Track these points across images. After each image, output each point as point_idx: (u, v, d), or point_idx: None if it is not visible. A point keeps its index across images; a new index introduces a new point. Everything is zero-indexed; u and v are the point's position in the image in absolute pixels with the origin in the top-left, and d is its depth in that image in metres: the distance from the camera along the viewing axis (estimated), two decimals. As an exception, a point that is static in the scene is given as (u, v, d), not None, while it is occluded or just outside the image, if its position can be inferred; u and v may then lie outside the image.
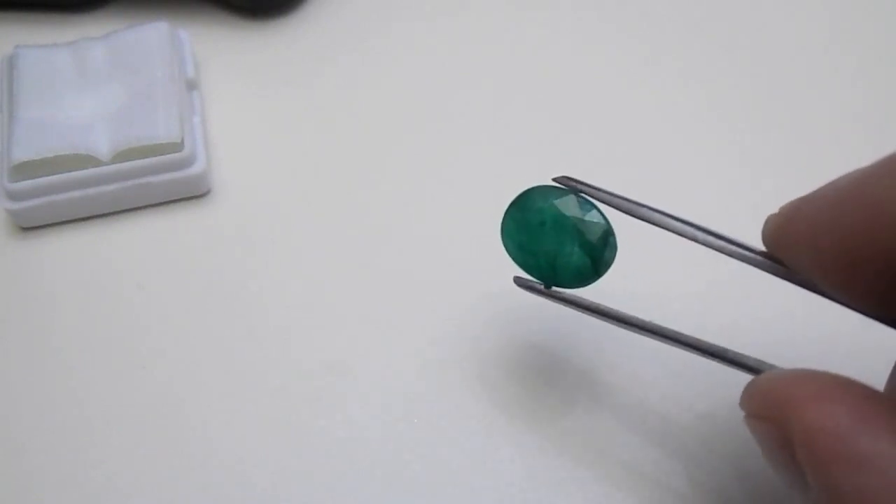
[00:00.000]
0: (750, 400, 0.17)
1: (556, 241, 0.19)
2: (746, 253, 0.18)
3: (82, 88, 0.26)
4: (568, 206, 0.19)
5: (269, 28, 0.30)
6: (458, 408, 0.22)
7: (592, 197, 0.19)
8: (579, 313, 0.19)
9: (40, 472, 0.21)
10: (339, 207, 0.26)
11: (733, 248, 0.18)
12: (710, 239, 0.19)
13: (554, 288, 0.19)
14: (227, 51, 0.29)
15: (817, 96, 0.28)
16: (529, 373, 0.22)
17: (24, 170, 0.24)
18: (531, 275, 0.19)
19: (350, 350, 0.23)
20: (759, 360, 0.18)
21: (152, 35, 0.26)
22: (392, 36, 0.30)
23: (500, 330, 0.23)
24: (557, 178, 0.19)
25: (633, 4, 0.30)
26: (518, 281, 0.20)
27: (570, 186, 0.19)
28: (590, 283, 0.19)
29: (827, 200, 0.17)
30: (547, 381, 0.22)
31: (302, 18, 0.30)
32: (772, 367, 0.17)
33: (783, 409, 0.15)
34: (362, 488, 0.21)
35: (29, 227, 0.25)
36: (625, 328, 0.19)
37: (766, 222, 0.18)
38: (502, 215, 0.20)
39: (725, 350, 0.18)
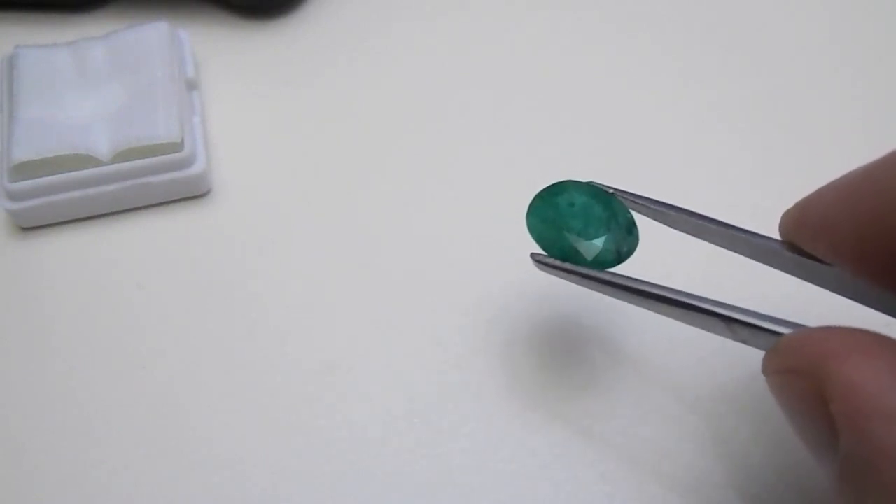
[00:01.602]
0: (781, 355, 0.16)
1: (584, 222, 0.19)
2: (768, 244, 0.19)
3: (82, 88, 0.26)
4: (598, 196, 0.20)
5: (269, 28, 0.30)
6: (458, 407, 0.22)
7: (623, 198, 0.20)
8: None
9: (40, 472, 0.21)
10: (340, 207, 0.26)
11: (760, 245, 0.19)
12: (738, 243, 0.19)
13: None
14: (227, 51, 0.29)
15: (818, 96, 0.28)
16: (529, 372, 0.22)
17: (24, 170, 0.24)
18: (550, 253, 0.20)
19: (350, 350, 0.23)
20: (786, 321, 0.17)
21: (152, 35, 0.26)
22: (392, 36, 0.30)
23: (500, 330, 0.23)
24: (591, 181, 0.20)
25: (633, 4, 0.30)
26: (535, 256, 0.20)
27: (601, 187, 0.20)
28: (607, 269, 0.19)
29: (840, 191, 0.17)
30: (547, 381, 0.22)
31: (302, 18, 0.30)
32: (800, 326, 0.17)
33: (820, 363, 0.15)
34: (362, 488, 0.21)
35: (29, 227, 0.25)
36: (638, 301, 0.18)
37: (783, 217, 0.19)
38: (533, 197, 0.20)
39: (749, 311, 0.17)
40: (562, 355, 0.23)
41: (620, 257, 0.19)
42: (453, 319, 0.23)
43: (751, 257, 0.19)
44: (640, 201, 0.20)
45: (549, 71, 0.29)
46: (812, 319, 0.16)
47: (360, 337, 0.23)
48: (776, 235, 0.19)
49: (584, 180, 0.20)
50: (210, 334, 0.23)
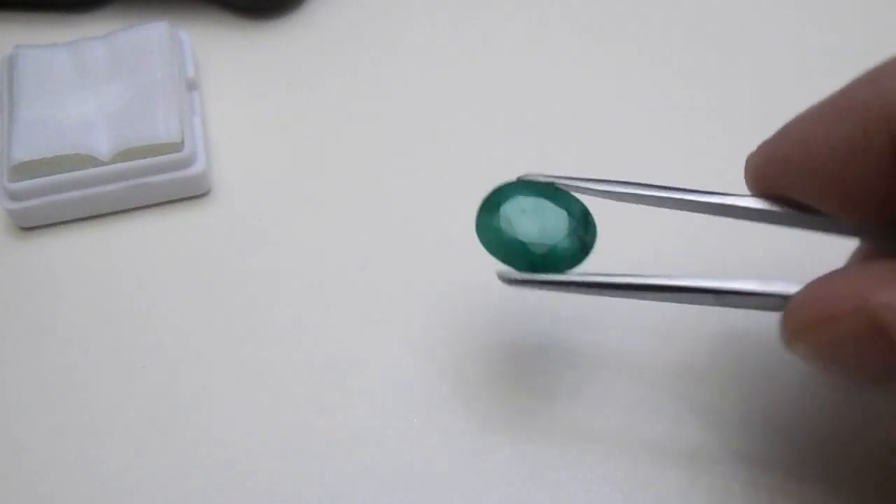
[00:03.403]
0: (809, 310, 0.16)
1: (540, 226, 0.18)
2: (735, 203, 0.19)
3: (82, 88, 0.26)
4: (544, 192, 0.19)
5: (269, 28, 0.30)
6: (458, 407, 0.22)
7: (565, 187, 0.19)
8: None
9: (40, 472, 0.21)
10: (339, 207, 0.26)
11: (719, 202, 0.19)
12: (691, 200, 0.19)
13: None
14: (227, 51, 0.29)
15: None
16: (529, 372, 0.22)
17: (24, 170, 0.24)
18: (516, 265, 0.19)
19: (350, 350, 0.23)
20: (785, 283, 0.17)
21: (152, 35, 0.26)
22: (391, 36, 0.30)
23: (500, 330, 0.23)
24: (523, 175, 0.19)
25: (629, 5, 0.30)
26: (504, 276, 0.19)
27: (540, 180, 0.19)
28: (579, 264, 0.19)
29: (819, 114, 0.17)
30: (547, 381, 0.22)
31: (302, 18, 0.30)
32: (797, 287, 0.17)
33: (868, 298, 0.15)
34: (362, 488, 0.21)
35: (29, 227, 0.25)
36: (628, 296, 0.18)
37: (749, 161, 0.19)
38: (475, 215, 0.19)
39: (747, 280, 0.17)
40: (562, 355, 0.23)
41: (586, 249, 0.19)
42: (453, 319, 0.23)
43: (713, 214, 0.19)
44: (584, 183, 0.19)
45: (548, 69, 0.29)
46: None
47: (361, 337, 0.23)
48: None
49: (520, 175, 0.19)
50: (210, 334, 0.23)
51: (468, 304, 0.24)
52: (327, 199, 0.26)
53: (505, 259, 0.19)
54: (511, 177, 0.20)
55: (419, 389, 0.22)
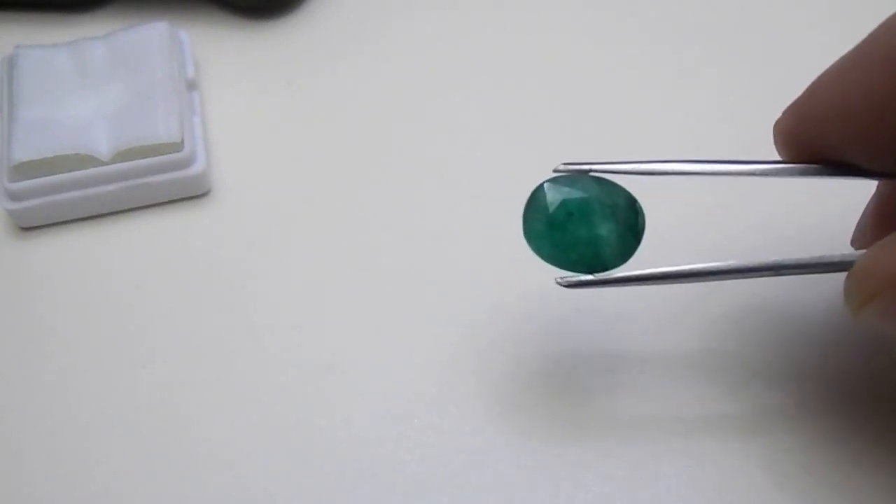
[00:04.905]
0: (881, 270, 0.16)
1: (589, 226, 0.18)
2: (775, 167, 0.19)
3: (82, 88, 0.26)
4: (587, 188, 0.18)
5: (269, 28, 0.30)
6: (459, 408, 0.22)
7: (601, 172, 0.19)
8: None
9: (40, 472, 0.21)
10: (340, 207, 0.26)
11: (759, 167, 0.19)
12: (733, 167, 0.19)
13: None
14: (227, 51, 0.29)
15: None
16: (530, 372, 0.22)
17: (24, 170, 0.24)
18: (573, 269, 0.19)
19: (350, 350, 0.23)
20: (844, 255, 0.17)
21: (152, 35, 0.27)
22: (392, 35, 0.30)
23: (500, 329, 0.23)
24: (558, 167, 0.19)
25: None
26: (562, 281, 0.19)
27: (574, 171, 0.19)
28: (633, 254, 0.19)
29: (847, 67, 0.17)
30: (547, 381, 0.22)
31: (302, 18, 0.30)
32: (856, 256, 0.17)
33: None
34: (362, 488, 0.21)
35: (29, 227, 0.25)
36: (690, 282, 0.19)
37: (778, 125, 0.19)
38: (522, 219, 0.19)
39: (819, 258, 0.17)
40: (562, 356, 0.23)
41: (638, 237, 0.19)
42: (453, 319, 0.23)
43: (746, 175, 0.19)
44: (619, 166, 0.19)
45: (548, 68, 0.29)
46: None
47: (360, 337, 0.23)
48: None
49: (555, 167, 0.19)
50: (210, 334, 0.23)
51: (469, 304, 0.24)
52: (327, 198, 0.26)
53: (561, 265, 0.19)
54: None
55: (419, 389, 0.22)
